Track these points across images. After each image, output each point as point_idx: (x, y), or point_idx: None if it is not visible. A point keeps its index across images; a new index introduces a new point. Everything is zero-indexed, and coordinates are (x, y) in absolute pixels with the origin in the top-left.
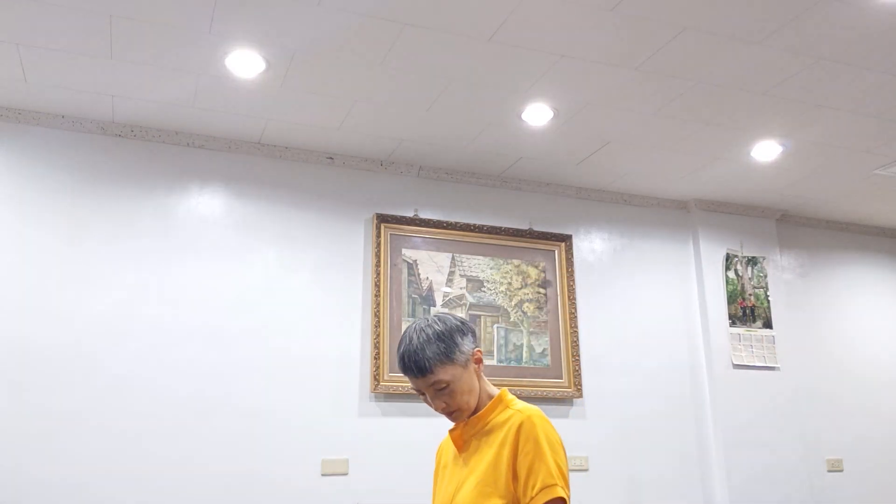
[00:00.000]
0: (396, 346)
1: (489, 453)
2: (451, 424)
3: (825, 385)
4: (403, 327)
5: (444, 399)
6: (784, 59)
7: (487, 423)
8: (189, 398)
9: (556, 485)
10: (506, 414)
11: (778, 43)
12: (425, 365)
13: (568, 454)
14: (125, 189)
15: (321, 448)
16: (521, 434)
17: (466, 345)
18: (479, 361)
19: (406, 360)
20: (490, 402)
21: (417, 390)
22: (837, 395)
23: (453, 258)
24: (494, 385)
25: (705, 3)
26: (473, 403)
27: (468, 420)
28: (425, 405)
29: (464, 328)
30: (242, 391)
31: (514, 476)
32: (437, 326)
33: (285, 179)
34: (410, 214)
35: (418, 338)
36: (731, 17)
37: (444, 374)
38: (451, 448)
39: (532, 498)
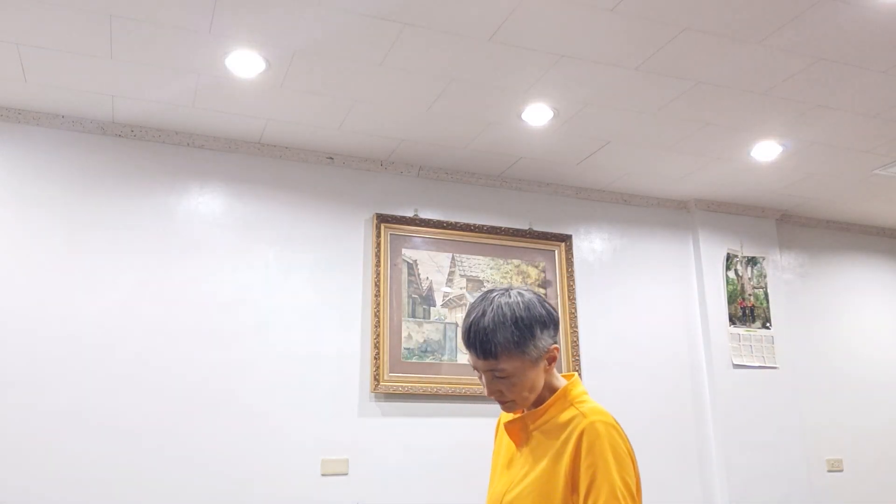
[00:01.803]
0: (397, 345)
1: (546, 459)
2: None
3: (825, 385)
4: (403, 327)
5: (500, 386)
6: (784, 59)
7: (548, 420)
8: (189, 398)
9: None
10: (569, 413)
11: (778, 43)
12: (491, 349)
13: None
14: (125, 189)
15: (321, 448)
16: (583, 444)
17: (545, 340)
18: (552, 360)
19: (471, 335)
20: (552, 397)
21: (474, 367)
22: (837, 395)
23: (453, 258)
24: (566, 375)
25: (705, 3)
26: (532, 399)
27: (526, 413)
28: (425, 405)
29: (547, 319)
30: (242, 391)
31: (574, 489)
32: (518, 310)
33: (285, 179)
34: (410, 214)
35: (493, 316)
36: (731, 17)
37: (509, 364)
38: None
39: None
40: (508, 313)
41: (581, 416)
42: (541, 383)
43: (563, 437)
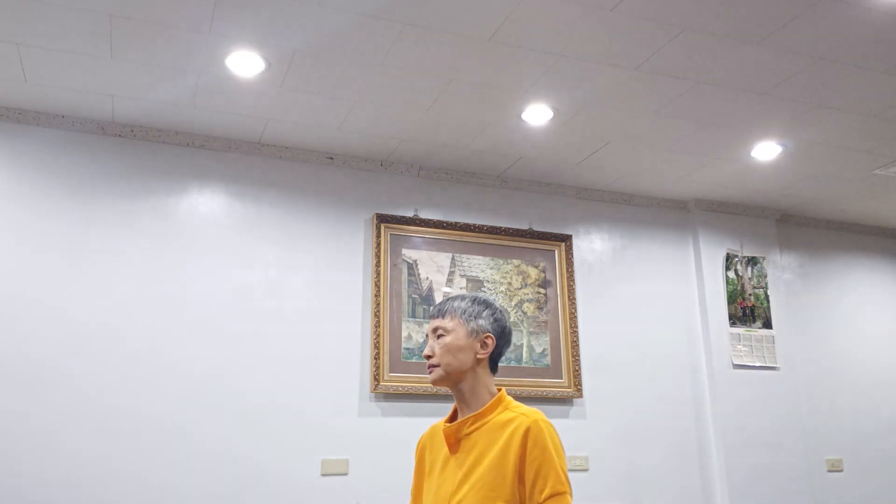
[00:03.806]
0: (397, 345)
1: (489, 456)
2: (435, 421)
3: (825, 385)
4: (403, 327)
5: (435, 345)
6: (784, 59)
7: (486, 423)
8: (188, 398)
9: (565, 493)
10: (506, 416)
11: (778, 43)
12: (444, 309)
13: (568, 454)
14: (125, 189)
15: (321, 448)
16: (529, 439)
17: (485, 321)
18: (484, 345)
19: (438, 304)
20: (490, 403)
21: (427, 336)
22: (837, 395)
23: (453, 258)
24: (496, 386)
25: (705, 3)
26: (450, 370)
27: (464, 419)
28: (425, 405)
29: (497, 315)
30: (242, 391)
31: (521, 480)
32: (481, 297)
33: (285, 179)
34: (410, 214)
35: (461, 295)
36: (731, 17)
37: (451, 323)
38: (441, 449)
39: (540, 503)
40: (473, 296)
41: (523, 417)
42: (467, 361)
43: (506, 435)
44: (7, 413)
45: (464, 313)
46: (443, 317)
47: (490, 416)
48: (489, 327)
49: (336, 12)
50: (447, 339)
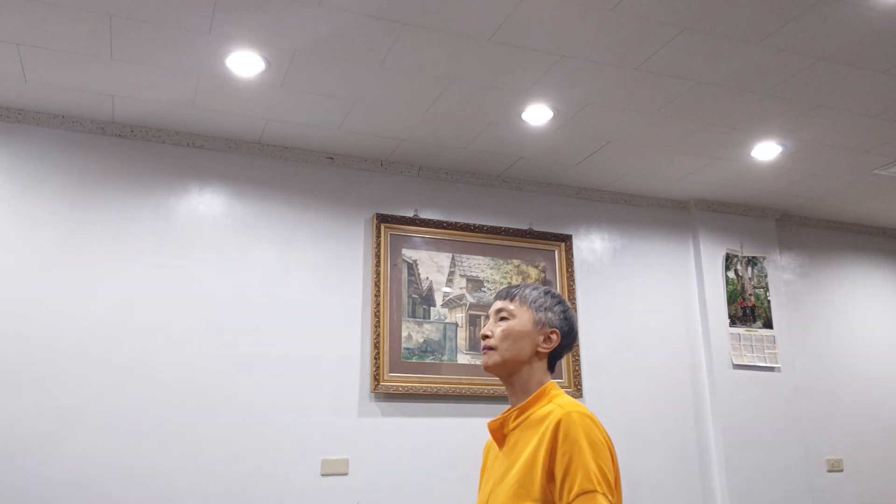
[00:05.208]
0: (397, 345)
1: (526, 451)
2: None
3: (825, 385)
4: (403, 327)
5: (496, 326)
6: (784, 59)
7: (528, 416)
8: (189, 398)
9: (595, 491)
10: (547, 408)
11: (778, 43)
12: (514, 294)
13: None
14: (125, 189)
15: (321, 448)
16: (560, 432)
17: (555, 316)
18: (547, 340)
19: (508, 286)
20: (535, 394)
21: (487, 315)
22: (837, 395)
23: (453, 258)
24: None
25: (705, 3)
26: (507, 357)
27: (508, 413)
28: (425, 405)
29: (568, 313)
30: (242, 391)
31: (550, 478)
32: (554, 291)
33: (285, 179)
34: (410, 214)
35: (532, 285)
36: (731, 17)
37: (517, 308)
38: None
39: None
40: (547, 288)
41: (558, 408)
42: (525, 352)
43: (542, 429)
44: (7, 413)
45: (534, 302)
46: (511, 300)
47: (532, 410)
48: (557, 322)
49: (336, 12)
50: (510, 322)
